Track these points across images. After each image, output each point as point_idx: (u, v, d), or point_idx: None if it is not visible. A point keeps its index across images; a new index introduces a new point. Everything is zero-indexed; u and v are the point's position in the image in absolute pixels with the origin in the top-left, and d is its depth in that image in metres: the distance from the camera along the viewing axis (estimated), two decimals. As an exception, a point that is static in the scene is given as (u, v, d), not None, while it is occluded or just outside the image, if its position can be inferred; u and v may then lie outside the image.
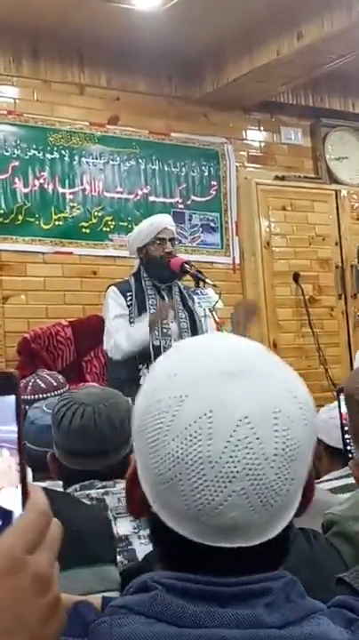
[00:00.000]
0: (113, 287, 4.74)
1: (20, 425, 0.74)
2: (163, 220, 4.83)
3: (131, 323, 4.59)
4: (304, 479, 0.97)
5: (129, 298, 4.65)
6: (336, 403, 2.82)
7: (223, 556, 0.92)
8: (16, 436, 0.74)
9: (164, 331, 4.58)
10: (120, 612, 0.92)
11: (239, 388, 0.93)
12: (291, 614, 0.91)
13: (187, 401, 0.92)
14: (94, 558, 1.71)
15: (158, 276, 4.68)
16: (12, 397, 0.74)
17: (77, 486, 2.09)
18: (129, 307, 4.63)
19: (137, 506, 0.99)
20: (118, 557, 1.89)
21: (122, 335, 4.55)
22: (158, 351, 4.18)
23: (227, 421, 0.91)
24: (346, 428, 2.25)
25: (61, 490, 2.17)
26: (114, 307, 4.70)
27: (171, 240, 4.71)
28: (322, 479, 2.66)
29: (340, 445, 2.64)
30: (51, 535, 0.74)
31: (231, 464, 0.90)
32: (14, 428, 0.74)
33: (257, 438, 0.91)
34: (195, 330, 4.64)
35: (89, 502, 2.04)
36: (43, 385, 3.67)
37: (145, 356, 4.42)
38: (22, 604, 0.70)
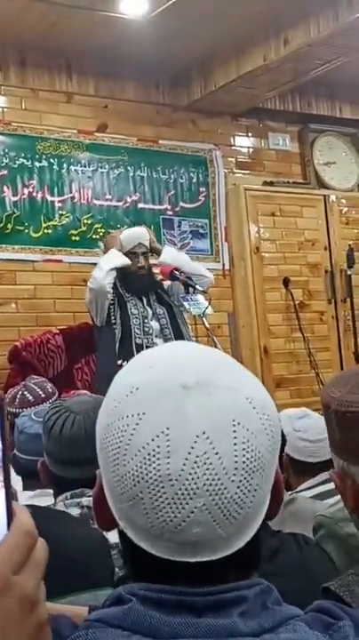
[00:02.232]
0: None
1: (5, 442, 0.74)
2: (137, 236, 4.94)
3: (113, 324, 4.67)
4: (270, 486, 0.97)
5: (111, 298, 4.76)
6: (301, 411, 2.84)
7: (193, 569, 0.91)
8: (0, 453, 0.74)
9: (146, 329, 4.64)
10: (95, 625, 0.91)
11: (196, 403, 0.92)
12: (267, 621, 0.91)
13: (144, 419, 0.92)
14: (93, 583, 1.70)
15: (131, 288, 4.79)
16: None
17: (68, 494, 2.09)
18: (111, 305, 4.74)
19: (106, 521, 0.99)
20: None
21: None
22: (140, 349, 4.22)
23: (185, 438, 0.90)
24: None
25: (51, 498, 2.17)
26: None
27: (145, 253, 4.88)
28: (306, 487, 2.66)
29: (307, 458, 2.65)
30: (37, 556, 0.73)
31: (191, 481, 0.89)
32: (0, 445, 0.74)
33: (216, 453, 0.90)
34: (175, 323, 4.73)
35: (79, 510, 2.03)
36: (30, 397, 3.67)
37: (126, 353, 4.47)
38: (9, 625, 0.70)
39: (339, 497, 2.08)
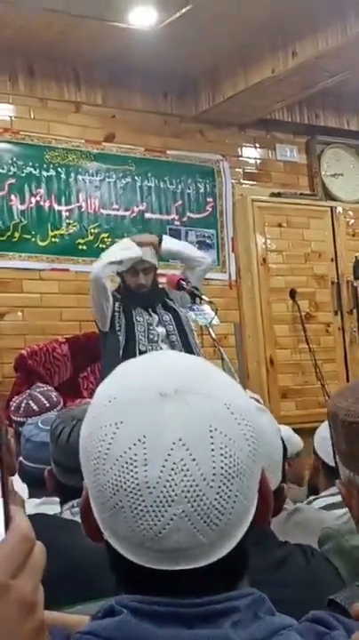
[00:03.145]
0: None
1: (2, 449, 0.74)
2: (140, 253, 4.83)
3: (118, 331, 4.66)
4: (254, 493, 0.96)
5: (117, 305, 4.74)
6: None
7: (177, 578, 0.91)
8: None
9: (151, 337, 4.63)
10: (86, 638, 0.91)
11: (173, 410, 0.92)
12: (259, 632, 0.91)
13: (122, 427, 0.93)
14: (101, 592, 1.70)
15: (133, 304, 4.76)
16: None
17: (74, 502, 2.09)
18: (115, 311, 4.72)
19: (92, 531, 0.99)
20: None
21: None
22: None
23: (162, 445, 0.90)
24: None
25: (58, 506, 2.17)
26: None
27: (146, 270, 4.80)
28: (317, 496, 2.67)
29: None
30: (35, 560, 0.73)
31: (169, 488, 0.89)
32: None
33: (193, 460, 0.90)
34: (182, 329, 4.71)
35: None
36: (35, 407, 3.68)
37: (128, 359, 4.47)
38: (7, 628, 0.70)
39: (346, 509, 2.08)
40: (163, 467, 0.90)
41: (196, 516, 0.90)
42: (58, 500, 2.21)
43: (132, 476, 0.90)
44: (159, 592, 0.92)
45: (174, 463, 0.90)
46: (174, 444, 0.90)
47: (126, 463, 0.91)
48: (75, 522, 2.01)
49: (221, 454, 0.91)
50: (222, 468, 0.91)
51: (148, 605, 0.91)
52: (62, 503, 2.15)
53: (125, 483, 0.90)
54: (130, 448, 0.91)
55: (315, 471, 2.75)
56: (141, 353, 4.44)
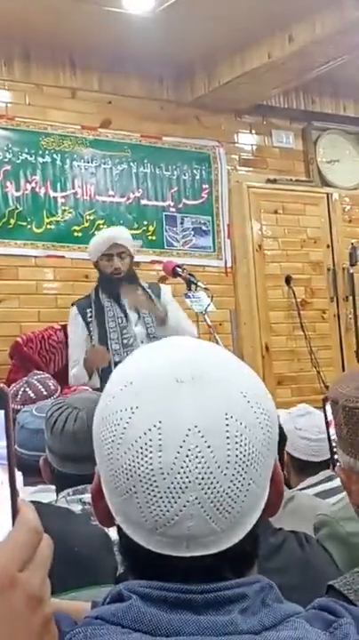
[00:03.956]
0: (73, 307, 4.89)
1: (10, 440, 0.74)
2: (110, 236, 4.84)
3: (92, 339, 4.64)
4: (267, 481, 0.96)
5: (89, 315, 4.72)
6: (298, 409, 2.84)
7: (188, 564, 0.91)
8: (6, 451, 0.73)
9: (124, 341, 4.60)
10: (95, 622, 0.91)
11: (189, 396, 0.92)
12: (268, 619, 0.91)
13: (137, 412, 0.92)
14: (96, 579, 1.70)
15: (109, 292, 4.71)
16: (1, 413, 0.74)
17: (70, 491, 2.09)
18: (89, 323, 4.69)
19: (103, 517, 0.99)
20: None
21: (75, 370, 4.69)
22: None
23: (177, 431, 0.90)
24: (332, 437, 2.26)
25: (53, 494, 2.17)
26: (72, 333, 4.84)
27: (121, 254, 4.73)
28: (306, 485, 2.66)
29: (304, 456, 2.65)
30: (42, 552, 0.73)
31: (182, 474, 0.89)
32: (4, 443, 0.73)
33: (208, 447, 0.90)
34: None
35: (81, 507, 2.03)
36: (32, 395, 3.67)
37: (106, 374, 4.45)
38: (15, 622, 0.70)
39: (339, 496, 2.09)
40: (178, 453, 0.89)
41: (209, 503, 0.90)
42: (53, 488, 2.21)
43: (147, 462, 0.90)
44: (169, 578, 0.92)
45: (189, 450, 0.89)
46: (189, 430, 0.90)
47: (141, 448, 0.90)
48: (69, 510, 2.01)
49: (236, 442, 0.91)
50: (237, 455, 0.91)
51: (157, 591, 0.91)
52: (58, 491, 2.15)
53: (139, 468, 0.90)
54: (145, 433, 0.91)
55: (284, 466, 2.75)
56: (116, 365, 4.40)
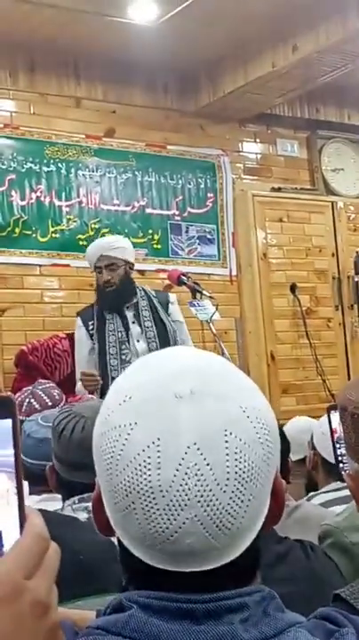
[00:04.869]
0: (78, 318, 4.80)
1: (18, 449, 0.74)
2: (99, 248, 4.72)
3: (94, 351, 4.61)
4: (267, 495, 0.96)
5: (91, 327, 4.65)
6: (334, 413, 2.83)
7: (188, 578, 0.91)
8: (13, 459, 0.74)
9: (123, 357, 4.53)
10: (96, 632, 0.91)
11: (188, 413, 0.91)
12: (269, 629, 0.91)
13: (135, 429, 0.92)
14: (101, 588, 1.70)
15: (105, 305, 4.65)
16: (9, 421, 0.74)
17: (76, 499, 2.09)
18: (92, 336, 4.64)
19: (103, 527, 0.99)
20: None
21: (78, 386, 4.58)
22: None
23: (176, 449, 0.90)
24: (337, 444, 2.26)
25: (59, 502, 2.17)
26: (77, 345, 4.77)
27: (111, 265, 4.60)
28: (316, 492, 2.67)
29: (334, 460, 2.65)
30: (50, 560, 0.73)
31: (181, 492, 0.89)
32: (11, 451, 0.74)
33: (207, 464, 0.89)
34: (167, 344, 4.53)
35: (87, 515, 2.03)
36: (37, 406, 3.67)
37: (105, 389, 4.41)
38: (22, 630, 0.69)
39: (345, 506, 2.08)
40: (177, 470, 0.89)
41: (209, 520, 0.89)
42: (58, 496, 2.21)
43: (145, 479, 0.90)
44: (169, 589, 0.92)
45: (188, 467, 0.89)
46: (189, 447, 0.90)
47: (139, 465, 0.90)
48: (74, 518, 2.01)
49: (235, 459, 0.91)
50: (236, 472, 0.90)
51: (157, 601, 0.91)
52: (64, 499, 2.15)
53: (138, 485, 0.90)
54: (143, 450, 0.90)
55: (313, 467, 2.75)
56: (113, 380, 4.35)
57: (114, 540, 1.92)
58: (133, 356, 4.51)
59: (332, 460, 2.66)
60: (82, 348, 4.71)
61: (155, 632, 0.89)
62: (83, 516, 2.04)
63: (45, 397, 3.76)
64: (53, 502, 2.23)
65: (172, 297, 4.83)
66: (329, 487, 2.64)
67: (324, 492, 2.60)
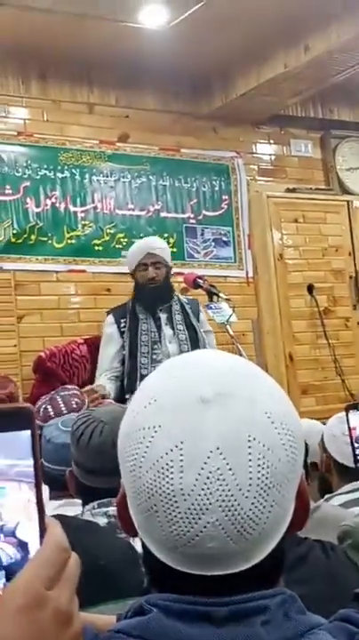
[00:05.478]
0: (109, 316, 4.84)
1: (37, 459, 0.74)
2: (145, 246, 4.83)
3: (123, 350, 4.62)
4: (291, 500, 0.95)
5: (122, 325, 4.69)
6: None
7: (210, 581, 0.91)
8: (33, 469, 0.74)
9: (154, 357, 4.56)
10: (117, 636, 0.91)
11: (212, 417, 0.92)
12: (290, 631, 0.90)
13: (159, 432, 0.92)
14: (122, 592, 1.70)
15: (143, 302, 4.70)
16: (28, 432, 0.74)
17: (95, 504, 2.10)
18: (123, 334, 4.67)
19: (129, 527, 0.99)
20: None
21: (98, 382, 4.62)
22: None
23: (198, 453, 0.90)
24: (356, 444, 2.24)
25: (78, 507, 2.17)
26: (106, 342, 4.79)
27: (157, 263, 4.70)
28: (332, 495, 2.65)
29: (349, 463, 2.64)
30: (70, 570, 0.73)
31: (203, 496, 0.89)
32: (31, 462, 0.74)
33: (229, 469, 0.89)
34: (198, 348, 4.60)
35: (106, 520, 2.04)
36: (52, 413, 3.67)
37: (132, 386, 4.43)
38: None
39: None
40: (199, 475, 0.89)
41: (230, 525, 0.89)
42: (78, 502, 2.22)
43: (168, 482, 0.90)
44: (190, 592, 0.92)
45: (210, 472, 0.89)
46: (211, 452, 0.90)
47: (162, 469, 0.90)
48: (94, 523, 2.01)
49: (258, 464, 0.90)
50: (259, 478, 0.90)
51: (178, 604, 0.91)
52: (83, 504, 2.15)
53: (160, 488, 0.90)
54: (167, 453, 0.91)
55: (326, 468, 2.74)
56: (142, 377, 4.38)
57: (134, 542, 1.93)
58: (164, 357, 4.54)
59: (345, 462, 2.64)
60: (110, 346, 4.73)
61: (175, 635, 0.89)
62: (102, 520, 2.04)
63: (62, 404, 3.76)
64: (73, 507, 2.24)
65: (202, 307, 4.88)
66: (346, 488, 2.63)
67: (344, 494, 2.59)
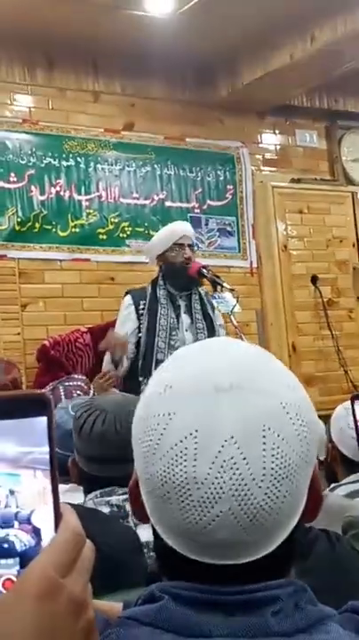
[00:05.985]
0: (128, 296, 4.78)
1: (53, 446, 0.74)
2: (182, 228, 4.85)
3: (139, 332, 4.61)
4: (303, 492, 0.95)
5: (141, 307, 4.67)
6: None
7: (221, 570, 0.91)
8: (49, 457, 0.74)
9: (171, 342, 4.55)
10: (127, 623, 0.92)
11: (227, 406, 0.91)
12: (300, 622, 0.90)
13: (174, 419, 0.92)
14: (126, 581, 1.70)
15: (177, 283, 4.67)
16: (44, 419, 0.74)
17: (98, 492, 2.09)
18: (141, 316, 4.65)
19: (141, 514, 0.99)
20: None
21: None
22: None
23: (213, 442, 0.90)
24: None
25: (82, 495, 2.17)
26: (122, 321, 4.75)
27: (190, 246, 4.71)
28: (337, 484, 2.66)
29: (355, 457, 2.64)
30: (85, 557, 0.73)
31: (216, 485, 0.89)
32: (46, 449, 0.74)
33: (244, 459, 0.89)
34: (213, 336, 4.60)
35: (109, 509, 2.03)
36: None
37: (147, 369, 4.42)
38: (59, 629, 0.69)
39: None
40: (213, 463, 0.89)
41: (243, 514, 0.89)
42: (82, 488, 2.21)
43: (181, 470, 0.90)
44: (201, 579, 0.92)
45: (224, 461, 0.89)
46: (226, 441, 0.89)
47: (176, 456, 0.90)
48: (98, 511, 2.01)
49: (272, 455, 0.90)
50: (273, 468, 0.90)
51: (189, 592, 0.91)
52: (85, 493, 2.15)
53: (174, 476, 0.90)
54: (181, 441, 0.90)
55: (333, 459, 2.74)
56: (158, 362, 4.37)
57: (139, 531, 1.93)
58: (181, 344, 4.51)
59: (351, 455, 2.65)
60: (125, 326, 4.69)
61: (186, 622, 0.89)
62: (104, 509, 2.04)
63: (62, 395, 3.76)
64: (78, 494, 2.23)
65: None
66: (351, 478, 2.63)
67: (349, 483, 2.60)
